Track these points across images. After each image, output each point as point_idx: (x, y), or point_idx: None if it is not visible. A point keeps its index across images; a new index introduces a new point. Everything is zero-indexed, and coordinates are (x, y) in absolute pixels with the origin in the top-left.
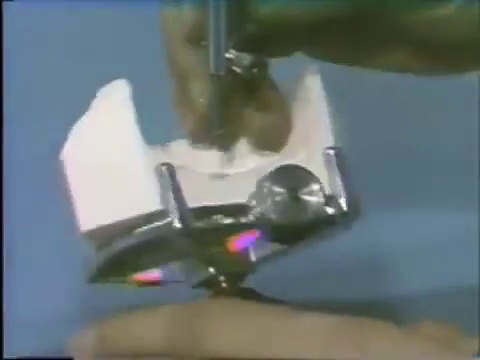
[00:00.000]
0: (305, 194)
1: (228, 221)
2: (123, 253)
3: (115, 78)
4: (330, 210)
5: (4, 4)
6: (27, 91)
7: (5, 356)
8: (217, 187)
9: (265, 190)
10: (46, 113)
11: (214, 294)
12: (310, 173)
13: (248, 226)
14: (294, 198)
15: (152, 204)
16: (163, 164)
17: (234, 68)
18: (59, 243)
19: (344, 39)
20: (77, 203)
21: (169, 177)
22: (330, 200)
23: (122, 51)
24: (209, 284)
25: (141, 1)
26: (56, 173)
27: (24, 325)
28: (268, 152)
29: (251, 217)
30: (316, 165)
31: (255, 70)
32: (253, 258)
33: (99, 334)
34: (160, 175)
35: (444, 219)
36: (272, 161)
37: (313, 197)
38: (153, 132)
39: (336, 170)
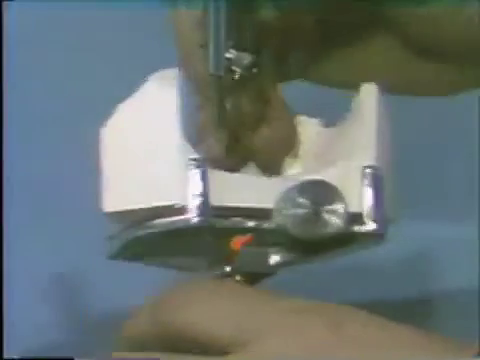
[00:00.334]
0: (326, 212)
1: (247, 224)
2: (142, 240)
3: (115, 78)
4: (356, 228)
5: (4, 4)
6: (27, 91)
7: (5, 356)
8: (245, 188)
9: (289, 200)
10: (46, 113)
11: None
12: (337, 191)
13: (266, 232)
14: (314, 213)
15: (176, 197)
16: (195, 159)
17: (234, 68)
18: (59, 243)
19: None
20: (105, 183)
21: (198, 173)
22: (358, 218)
23: (122, 51)
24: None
25: (141, 1)
26: (56, 172)
27: (24, 325)
28: (293, 165)
29: (271, 224)
30: (352, 181)
31: (255, 70)
32: (272, 261)
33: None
34: (190, 170)
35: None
36: (307, 171)
37: (334, 216)
38: None
39: (370, 189)
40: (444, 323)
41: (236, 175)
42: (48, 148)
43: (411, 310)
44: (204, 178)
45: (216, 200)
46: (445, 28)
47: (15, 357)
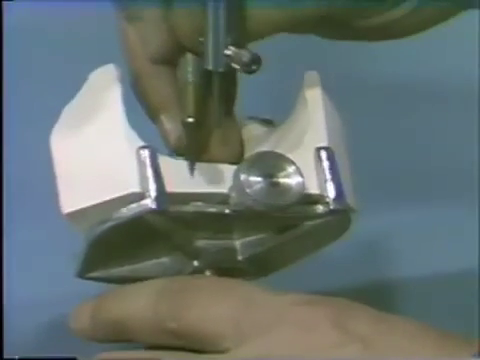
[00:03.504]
0: (282, 177)
1: (207, 209)
2: (103, 243)
3: None
4: (318, 208)
5: (4, 4)
6: (27, 91)
7: (5, 356)
8: (200, 175)
9: (242, 180)
10: (46, 113)
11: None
12: (283, 156)
13: (228, 217)
14: (271, 184)
15: (130, 186)
16: (144, 147)
17: (233, 65)
18: (60, 242)
19: None
20: (60, 185)
21: (149, 159)
22: (318, 198)
23: (119, 53)
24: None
25: (141, 1)
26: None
27: (24, 325)
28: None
29: (232, 207)
30: (306, 164)
31: (255, 66)
32: (240, 256)
33: (95, 305)
34: (140, 157)
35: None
36: None
37: (291, 179)
38: (150, 130)
39: (326, 170)
40: (401, 310)
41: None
42: (48, 148)
43: (368, 298)
44: (156, 165)
45: (171, 186)
46: None
47: (15, 357)
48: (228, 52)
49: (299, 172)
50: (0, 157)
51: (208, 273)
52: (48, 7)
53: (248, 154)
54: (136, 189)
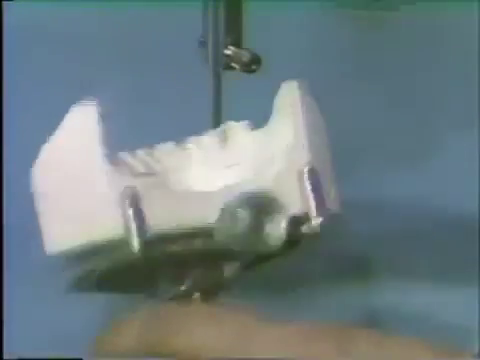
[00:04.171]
0: (267, 223)
1: (193, 244)
2: (90, 275)
3: (115, 78)
4: (302, 228)
5: (4, 4)
6: (27, 91)
7: (5, 356)
8: (186, 206)
9: (228, 217)
10: (46, 112)
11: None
12: (275, 200)
13: (212, 251)
14: (255, 227)
15: (113, 230)
16: (128, 187)
17: (233, 64)
18: None
19: None
20: (43, 223)
21: (132, 202)
22: (300, 218)
23: (122, 51)
24: (183, 299)
25: (141, 1)
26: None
27: (24, 325)
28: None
29: (216, 242)
30: (289, 182)
31: (254, 66)
32: (226, 273)
33: (96, 339)
34: (124, 200)
35: None
36: (244, 179)
37: (275, 228)
38: (148, 132)
39: (308, 187)
40: None
41: (174, 193)
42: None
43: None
44: (138, 207)
45: (156, 224)
46: None
47: (15, 357)
48: (228, 52)
49: (287, 220)
50: (0, 157)
51: (196, 295)
52: (48, 7)
53: (230, 158)
54: (119, 233)
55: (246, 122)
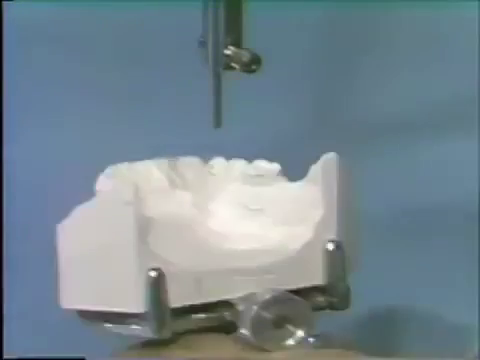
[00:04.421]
0: (290, 326)
1: (208, 321)
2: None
3: (115, 78)
4: (320, 299)
5: (4, 4)
6: (27, 91)
7: (5, 356)
8: (206, 284)
9: (253, 316)
10: (46, 112)
11: None
12: (303, 307)
13: (227, 324)
14: (278, 328)
15: (134, 306)
16: (154, 269)
17: (233, 64)
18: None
19: None
20: (62, 279)
21: (156, 283)
22: (323, 290)
23: (122, 50)
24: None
25: (141, 1)
26: (55, 173)
27: (24, 325)
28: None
29: (234, 317)
30: (314, 255)
31: (254, 66)
32: None
33: None
34: (148, 279)
35: None
36: (268, 238)
37: (294, 336)
38: (148, 131)
39: (331, 263)
40: None
41: (194, 272)
42: (48, 146)
43: None
44: (162, 289)
45: (176, 301)
46: None
47: (15, 357)
48: (228, 52)
49: (307, 332)
50: (0, 156)
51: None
52: (48, 7)
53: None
54: (137, 310)
55: (278, 166)
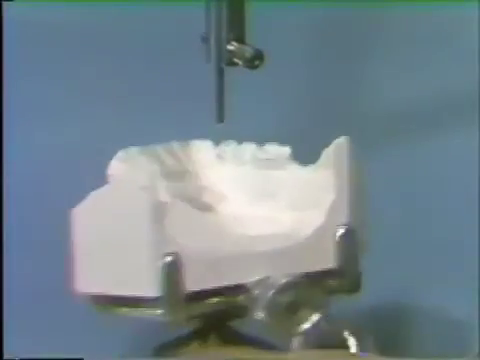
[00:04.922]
0: (303, 312)
1: (221, 305)
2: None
3: (114, 77)
4: (331, 282)
5: (4, 4)
6: (27, 91)
7: (5, 356)
8: (221, 268)
9: (267, 297)
10: (46, 112)
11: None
12: (317, 291)
13: (241, 307)
14: (290, 313)
15: (149, 290)
16: (169, 254)
17: (236, 60)
18: (60, 242)
19: None
20: (77, 264)
21: (171, 267)
22: (334, 274)
23: (124, 47)
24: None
25: (141, 2)
26: (55, 174)
27: (24, 325)
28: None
29: (248, 301)
30: (326, 238)
31: (257, 62)
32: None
33: None
34: (164, 264)
35: None
36: (280, 223)
37: (307, 322)
38: (151, 127)
39: (343, 247)
40: None
41: (209, 257)
42: (48, 146)
43: None
44: (177, 273)
45: (192, 285)
46: None
47: (15, 357)
48: (231, 48)
49: (320, 310)
50: (0, 156)
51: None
52: (48, 7)
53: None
54: (153, 294)
55: (288, 150)
